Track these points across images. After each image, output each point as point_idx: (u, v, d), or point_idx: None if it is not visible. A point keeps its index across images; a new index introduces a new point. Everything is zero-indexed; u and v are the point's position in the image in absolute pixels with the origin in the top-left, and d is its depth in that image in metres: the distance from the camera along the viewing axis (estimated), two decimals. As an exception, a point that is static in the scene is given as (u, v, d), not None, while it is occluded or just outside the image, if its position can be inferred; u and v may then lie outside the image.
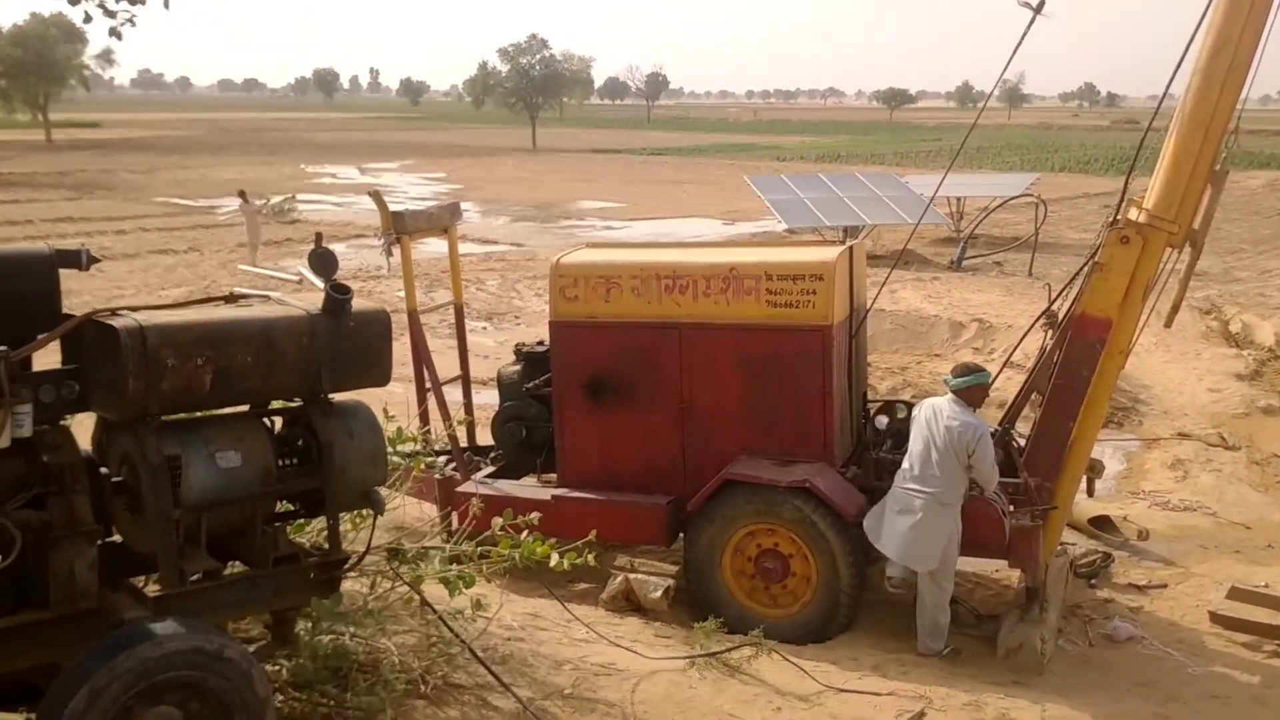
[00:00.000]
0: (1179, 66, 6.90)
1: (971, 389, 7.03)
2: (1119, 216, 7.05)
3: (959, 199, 30.55)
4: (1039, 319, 7.70)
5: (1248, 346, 16.04)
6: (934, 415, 6.98)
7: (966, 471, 6.83)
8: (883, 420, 8.02)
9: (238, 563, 4.44)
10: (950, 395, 7.04)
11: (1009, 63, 7.64)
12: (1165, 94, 7.21)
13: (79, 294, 17.98)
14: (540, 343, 8.94)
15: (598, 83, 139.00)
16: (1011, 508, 7.18)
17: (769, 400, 7.57)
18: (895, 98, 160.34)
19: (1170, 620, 7.69)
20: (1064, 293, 7.50)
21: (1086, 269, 7.17)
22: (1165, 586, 8.22)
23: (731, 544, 7.44)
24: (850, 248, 7.99)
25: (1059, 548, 8.06)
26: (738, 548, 7.46)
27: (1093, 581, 8.26)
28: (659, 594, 7.29)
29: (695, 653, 6.23)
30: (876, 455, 7.77)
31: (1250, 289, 21.51)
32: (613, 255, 8.45)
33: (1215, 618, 7.47)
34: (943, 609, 7.08)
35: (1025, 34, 7.29)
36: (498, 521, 5.51)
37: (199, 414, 4.39)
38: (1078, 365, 7.12)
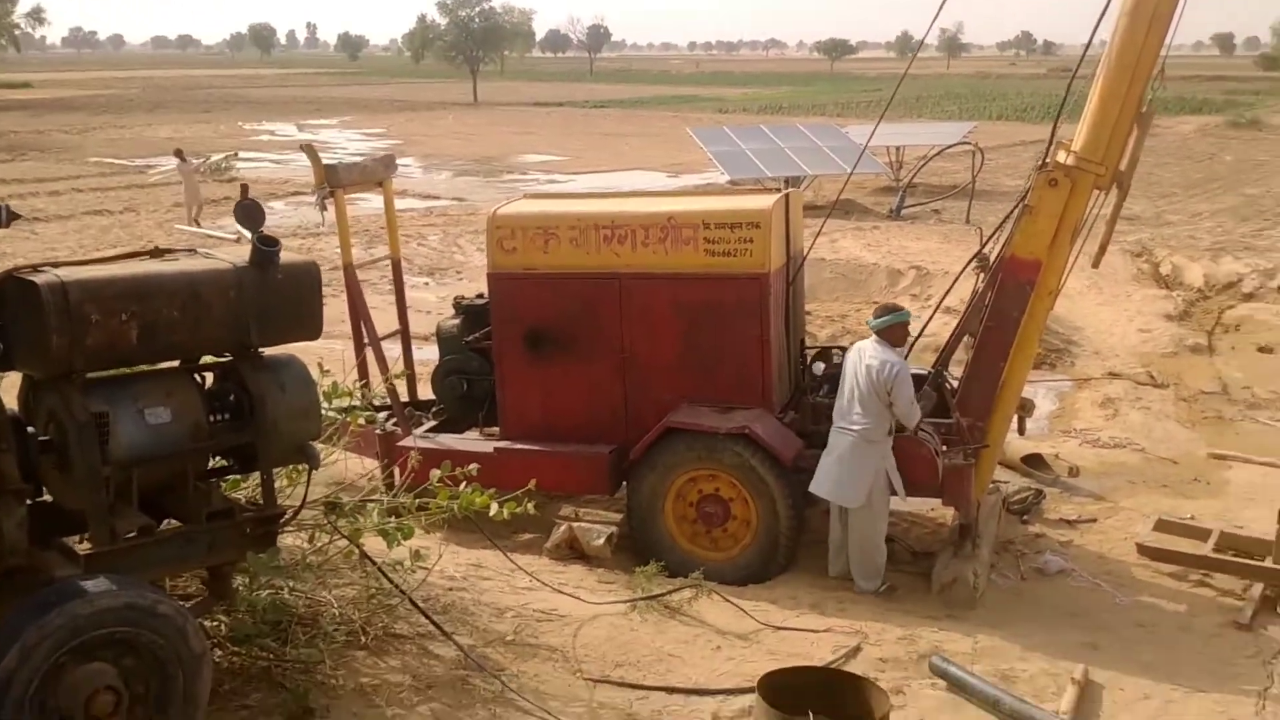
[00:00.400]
0: (1104, 12, 6.98)
1: (892, 328, 7.17)
2: (1047, 160, 7.15)
3: (898, 148, 30.72)
4: (970, 262, 7.82)
5: (1177, 288, 16.41)
6: (858, 356, 7.15)
7: (888, 410, 6.96)
8: (820, 366, 8.12)
9: (173, 520, 4.42)
10: (873, 336, 7.16)
11: (938, 11, 7.69)
12: (1091, 39, 7.28)
13: (11, 257, 17.59)
14: (480, 296, 8.91)
15: (539, 35, 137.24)
16: (945, 447, 7.34)
17: (708, 349, 7.63)
18: (836, 48, 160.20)
19: (1099, 553, 7.92)
20: (995, 236, 7.61)
21: (1016, 212, 7.27)
22: (1095, 521, 8.45)
23: (673, 490, 7.53)
24: (786, 195, 8.02)
25: (992, 486, 8.24)
26: (679, 494, 7.55)
27: (1025, 517, 8.46)
28: (602, 541, 7.38)
29: (637, 596, 6.32)
30: (813, 400, 7.87)
31: (1181, 232, 21.93)
32: (550, 206, 8.42)
33: (1143, 549, 7.69)
34: (879, 548, 7.23)
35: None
36: (436, 473, 5.52)
37: (127, 370, 4.34)
38: (1008, 307, 7.24)
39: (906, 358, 8.37)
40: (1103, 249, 7.45)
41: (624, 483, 7.78)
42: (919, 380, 7.85)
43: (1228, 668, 6.17)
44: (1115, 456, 9.82)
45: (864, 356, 7.11)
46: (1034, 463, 9.39)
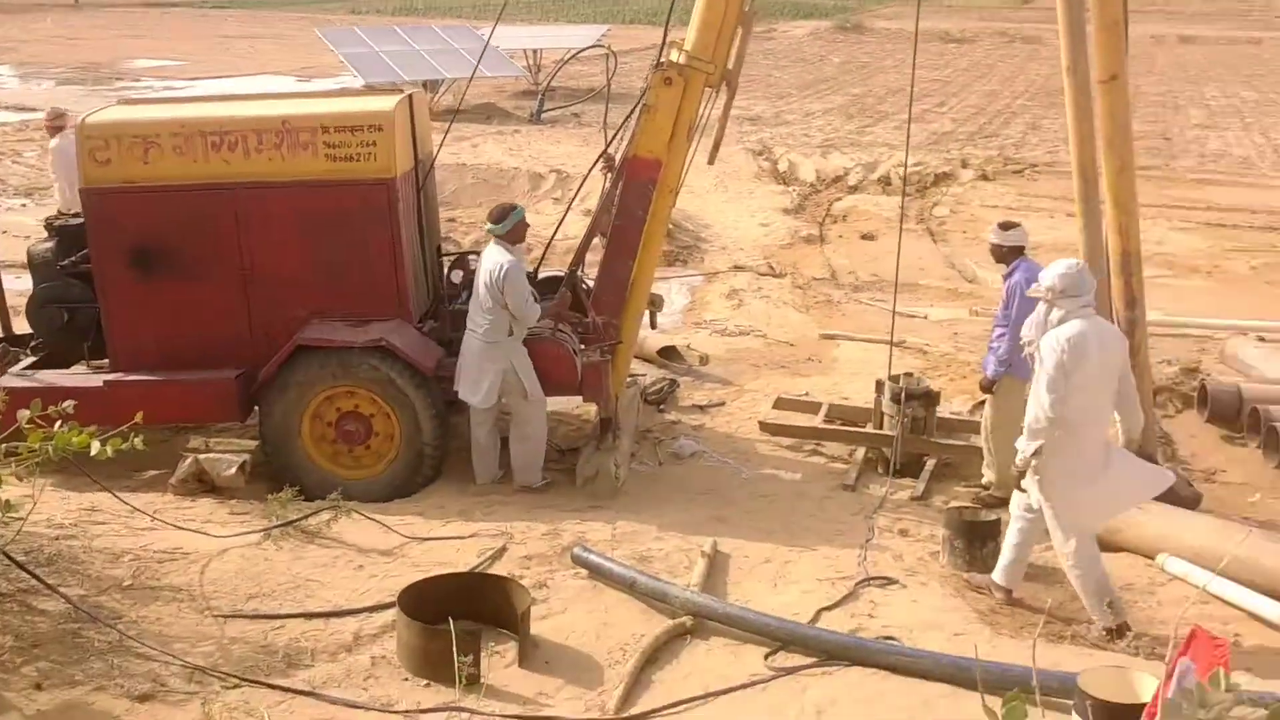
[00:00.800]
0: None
1: (513, 229, 7.19)
2: (662, 60, 7.33)
3: (535, 51, 30.66)
4: (595, 164, 7.94)
5: (793, 183, 17.59)
6: (481, 260, 7.14)
7: (505, 310, 7.02)
8: (458, 273, 8.04)
9: None
10: (494, 240, 7.16)
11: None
12: None
13: None
14: (76, 214, 8.05)
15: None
16: (582, 346, 7.51)
17: (337, 260, 7.33)
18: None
19: (728, 433, 8.45)
20: (619, 136, 7.75)
21: (637, 112, 7.43)
22: (723, 404, 8.99)
23: (310, 410, 7.24)
24: (410, 96, 7.77)
25: (630, 379, 8.56)
26: (316, 413, 7.28)
27: (661, 407, 8.87)
28: (233, 471, 6.99)
29: (270, 525, 6.05)
30: (453, 308, 7.79)
31: (797, 130, 23.45)
32: (149, 112, 7.71)
33: (764, 426, 8.30)
34: (539, 443, 7.33)
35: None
36: (24, 414, 4.95)
37: None
38: (633, 206, 7.43)
39: (543, 260, 8.50)
40: (716, 146, 7.77)
41: (256, 407, 7.40)
42: (553, 281, 7.97)
43: (836, 526, 6.80)
44: (741, 343, 10.47)
45: (485, 260, 7.12)
46: (668, 354, 9.83)
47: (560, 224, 8.44)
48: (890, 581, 5.96)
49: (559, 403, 8.37)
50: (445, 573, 5.32)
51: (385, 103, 7.43)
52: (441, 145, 8.04)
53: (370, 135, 7.17)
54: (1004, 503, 7.10)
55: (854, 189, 17.26)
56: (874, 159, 19.06)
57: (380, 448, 7.34)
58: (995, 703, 2.32)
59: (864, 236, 14.50)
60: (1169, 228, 14.89)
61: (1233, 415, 8.31)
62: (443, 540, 6.18)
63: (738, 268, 12.84)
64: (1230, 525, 6.39)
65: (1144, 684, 3.86)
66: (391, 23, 43.17)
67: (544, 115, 25.04)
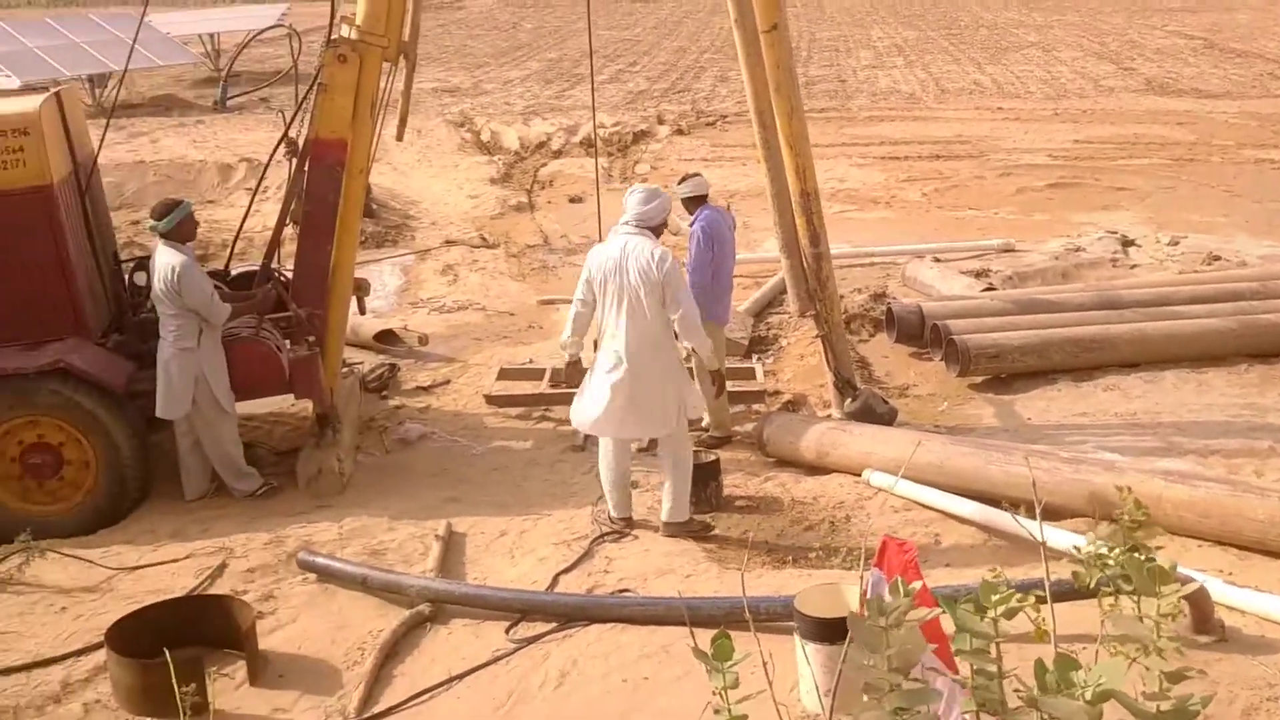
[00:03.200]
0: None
1: (178, 226, 6.75)
2: (334, 37, 7.06)
3: (213, 35, 28.95)
4: (276, 149, 7.58)
5: (498, 153, 17.51)
6: (153, 263, 6.74)
7: (189, 312, 6.63)
8: (141, 276, 7.49)
9: None
10: (161, 240, 6.73)
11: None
12: None
13: None
14: None
15: None
16: (288, 343, 7.19)
17: (-2, 280, 6.66)
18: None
19: (455, 411, 8.35)
20: (298, 119, 7.43)
21: (314, 93, 7.14)
22: (449, 382, 8.87)
23: (-12, 448, 6.59)
24: (58, 95, 7.14)
25: (346, 368, 8.29)
26: (-4, 451, 6.63)
27: (383, 393, 8.66)
28: (-99, 526, 6.25)
29: (-51, 581, 5.48)
30: (140, 317, 7.27)
31: (497, 100, 23.34)
32: None
33: (490, 399, 8.27)
34: (233, 450, 6.93)
35: None
36: None
37: None
38: (323, 190, 7.14)
39: (231, 255, 8.07)
40: (403, 120, 7.61)
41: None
42: (248, 277, 7.58)
43: (568, 488, 6.88)
44: (460, 318, 10.36)
45: (155, 262, 6.68)
46: (386, 338, 9.59)
47: (247, 215, 8.03)
48: (621, 535, 6.10)
49: (273, 402, 8.02)
50: (157, 601, 4.98)
51: (28, 103, 6.80)
52: (102, 142, 7.43)
53: (15, 140, 6.54)
54: (722, 442, 7.44)
55: (558, 154, 17.39)
56: (575, 123, 19.24)
57: (75, 477, 6.78)
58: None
59: (572, 200, 14.64)
60: (849, 165, 15.89)
61: (917, 334, 8.99)
62: (155, 566, 5.78)
63: (450, 242, 12.67)
64: (922, 434, 6.91)
65: (854, 596, 4.12)
66: (44, 15, 39.61)
67: (229, 102, 23.72)
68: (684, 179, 7.73)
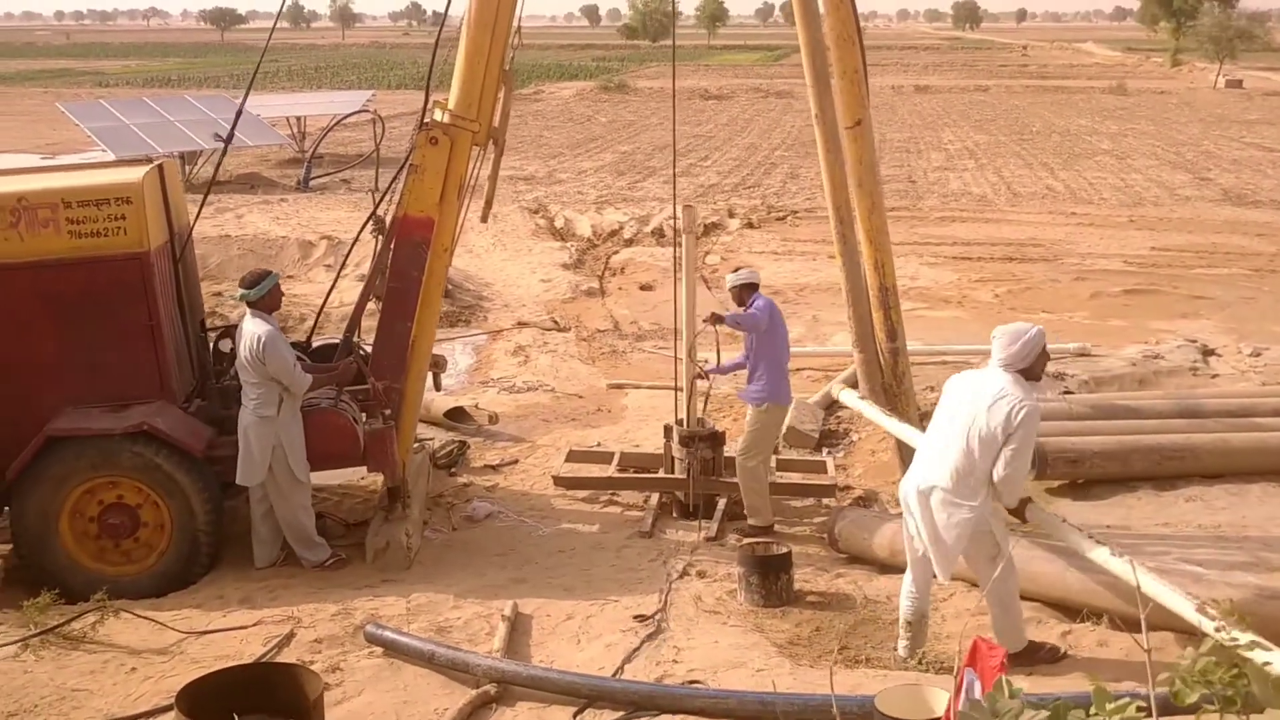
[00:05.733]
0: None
1: (267, 295, 6.93)
2: (426, 120, 7.27)
3: (300, 119, 29.96)
4: (365, 225, 7.77)
5: (570, 239, 17.78)
6: (240, 332, 6.87)
7: (271, 381, 6.75)
8: (226, 344, 7.67)
9: None
10: (249, 310, 6.88)
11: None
12: (448, 8, 7.36)
13: None
14: None
15: None
16: (364, 415, 7.27)
17: (91, 342, 6.87)
18: (224, 18, 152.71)
19: (523, 491, 8.36)
20: (388, 198, 7.61)
21: (405, 173, 7.33)
22: (516, 462, 8.89)
23: (68, 506, 6.72)
24: (159, 166, 7.41)
25: (417, 444, 8.35)
26: (76, 509, 6.76)
27: (452, 470, 8.69)
28: (-19, 578, 6.37)
29: (27, 634, 5.53)
30: (223, 384, 7.42)
31: (570, 189, 23.78)
32: None
33: (558, 481, 8.25)
34: (306, 520, 6.98)
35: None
36: None
37: None
38: (407, 266, 7.29)
39: (315, 328, 8.24)
40: (488, 204, 7.76)
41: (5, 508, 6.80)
42: (329, 349, 7.70)
43: (635, 574, 6.80)
44: (530, 399, 10.42)
45: (243, 332, 6.82)
46: (456, 416, 9.66)
47: (332, 289, 8.22)
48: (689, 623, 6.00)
49: (343, 474, 8.10)
50: (226, 666, 4.97)
51: (133, 174, 7.07)
52: (199, 215, 7.68)
53: (118, 209, 6.79)
54: (762, 532, 7.33)
55: (629, 242, 17.60)
56: (646, 213, 19.52)
57: (150, 539, 6.87)
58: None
59: (643, 287, 14.78)
60: (920, 263, 15.87)
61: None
62: (224, 632, 5.80)
63: (522, 324, 12.82)
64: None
65: (937, 699, 4.00)
66: (144, 95, 41.37)
67: (312, 182, 24.44)
68: (736, 270, 7.88)
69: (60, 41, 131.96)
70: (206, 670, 4.99)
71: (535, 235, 18.03)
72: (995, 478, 5.33)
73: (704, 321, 7.73)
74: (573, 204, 21.12)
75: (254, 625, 5.86)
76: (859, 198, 7.31)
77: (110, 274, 6.80)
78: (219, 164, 8.93)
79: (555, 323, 12.92)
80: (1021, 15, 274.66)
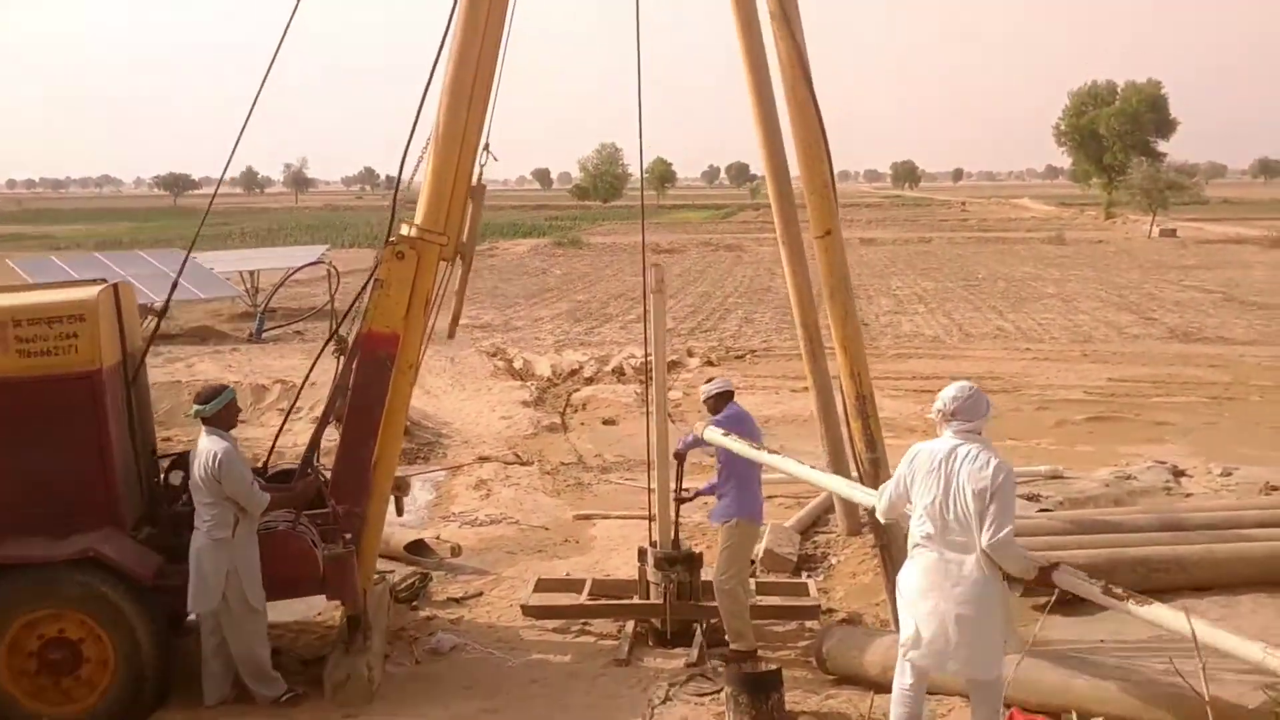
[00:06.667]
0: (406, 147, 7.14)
1: (220, 412, 6.63)
2: (392, 236, 7.16)
3: (253, 273, 29.94)
4: (327, 343, 7.55)
5: (530, 379, 17.62)
6: (195, 450, 6.55)
7: (228, 501, 6.41)
8: (178, 474, 7.33)
9: None
10: (204, 427, 6.58)
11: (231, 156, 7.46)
12: (402, 166, 7.27)
13: None
14: None
15: None
16: (324, 540, 6.91)
17: (35, 464, 6.51)
18: (178, 183, 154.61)
19: (489, 623, 7.95)
20: (350, 315, 7.43)
21: (369, 288, 7.17)
22: (481, 594, 8.50)
23: (6, 640, 6.27)
24: (115, 287, 7.19)
25: (377, 576, 7.95)
26: (14, 644, 6.29)
27: (414, 603, 8.28)
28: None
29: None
30: (174, 510, 7.05)
31: (528, 334, 23.79)
32: None
33: (526, 610, 7.86)
34: (260, 652, 6.54)
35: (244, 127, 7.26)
36: None
37: None
38: (371, 384, 7.06)
39: (267, 464, 7.88)
40: (455, 319, 7.61)
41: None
42: (286, 475, 7.37)
43: (614, 701, 6.41)
44: (493, 532, 10.06)
45: (197, 449, 6.51)
46: (416, 549, 9.27)
47: (284, 425, 7.96)
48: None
49: (299, 611, 7.67)
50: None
51: (87, 292, 6.84)
52: (151, 341, 7.40)
53: (70, 326, 6.53)
54: (746, 656, 6.97)
55: (590, 380, 17.48)
56: (606, 353, 19.47)
57: (93, 676, 6.39)
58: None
59: (606, 422, 14.58)
60: (882, 395, 15.73)
61: (974, 552, 8.60)
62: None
63: (483, 459, 12.52)
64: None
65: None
66: (94, 253, 41.32)
67: (264, 334, 24.23)
68: (710, 380, 7.77)
69: (12, 208, 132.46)
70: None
71: (494, 376, 17.87)
72: (985, 544, 5.11)
73: (674, 457, 7.59)
74: (530, 348, 21.05)
75: (203, 762, 5.37)
76: (831, 307, 7.24)
77: (59, 393, 6.50)
78: (167, 299, 8.35)
79: (517, 456, 12.63)
80: (958, 174, 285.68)
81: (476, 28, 6.90)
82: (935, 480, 5.26)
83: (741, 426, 7.29)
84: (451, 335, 7.84)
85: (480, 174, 7.29)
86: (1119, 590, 5.26)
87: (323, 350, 7.75)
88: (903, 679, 5.48)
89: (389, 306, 7.03)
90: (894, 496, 5.58)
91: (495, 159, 7.27)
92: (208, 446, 6.44)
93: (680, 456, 7.61)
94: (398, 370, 7.12)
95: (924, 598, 5.28)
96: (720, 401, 7.42)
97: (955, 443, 5.29)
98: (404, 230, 7.13)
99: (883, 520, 6.04)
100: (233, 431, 6.70)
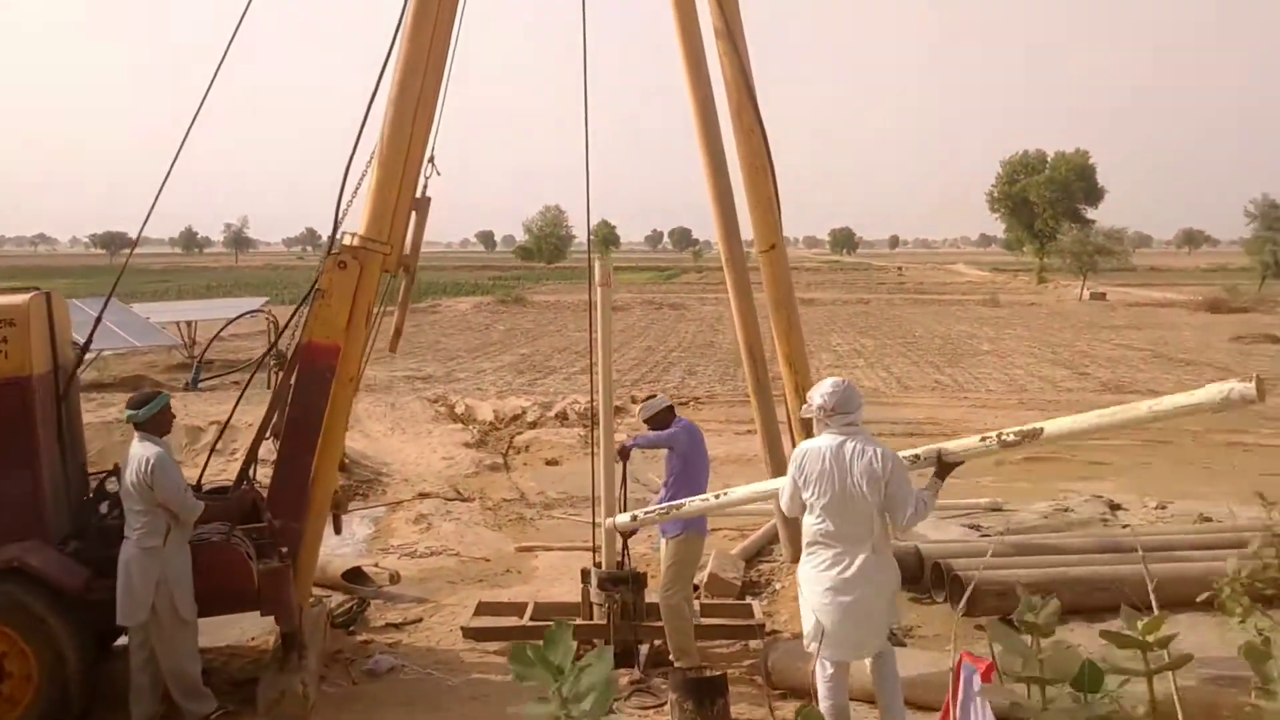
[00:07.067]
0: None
1: (154, 417, 6.44)
2: (334, 249, 7.09)
3: (190, 324, 29.52)
4: (265, 355, 7.44)
5: (472, 423, 17.45)
6: (128, 456, 6.37)
7: (160, 510, 6.23)
8: (113, 481, 7.11)
9: None
10: (137, 432, 6.41)
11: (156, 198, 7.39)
12: (339, 206, 7.14)
13: None
14: None
15: None
16: (258, 554, 6.73)
17: (-41, 473, 6.28)
18: (114, 241, 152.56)
19: (428, 647, 7.76)
20: (289, 327, 7.34)
21: (310, 298, 7.09)
22: (420, 620, 8.32)
23: (-80, 655, 5.97)
24: (48, 295, 7.04)
25: (314, 599, 7.76)
26: (-71, 659, 6.00)
27: (351, 628, 8.07)
28: None
29: None
30: (104, 523, 6.82)
31: (470, 385, 23.60)
32: None
33: (467, 632, 7.70)
34: (190, 667, 6.32)
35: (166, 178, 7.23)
36: None
37: None
38: (311, 395, 6.95)
39: (205, 469, 7.73)
40: (398, 332, 7.53)
41: None
42: (220, 491, 7.19)
43: (559, 714, 6.25)
44: (433, 563, 9.88)
45: (130, 455, 6.33)
46: (354, 577, 9.07)
47: (221, 433, 7.78)
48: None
49: (230, 632, 7.45)
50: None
51: (18, 298, 6.68)
52: (77, 367, 7.18)
53: (0, 331, 6.37)
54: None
55: (534, 424, 17.34)
56: (549, 399, 19.37)
57: (14, 692, 6.13)
58: None
59: (549, 462, 14.46)
60: (826, 438, 15.93)
61: (916, 576, 8.62)
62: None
63: (423, 495, 12.32)
64: (944, 657, 6.44)
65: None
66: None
67: (200, 384, 23.79)
68: (648, 398, 7.73)
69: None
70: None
71: (435, 420, 17.67)
72: (904, 523, 5.51)
73: (617, 455, 7.55)
74: (473, 397, 20.88)
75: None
76: (776, 319, 7.31)
77: (-13, 399, 6.31)
78: (91, 331, 7.88)
79: (458, 492, 12.46)
80: (895, 241, 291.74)
81: (422, 41, 6.94)
82: (829, 480, 5.49)
83: (693, 443, 7.27)
84: (393, 349, 7.76)
85: (425, 187, 7.28)
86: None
87: (259, 362, 7.64)
88: (824, 672, 5.62)
89: (330, 317, 6.95)
90: (791, 496, 5.74)
91: (439, 173, 7.26)
92: (140, 452, 6.27)
93: (624, 454, 7.52)
94: (338, 382, 7.02)
95: (834, 593, 5.50)
96: (666, 416, 7.40)
97: (840, 439, 5.53)
98: (347, 241, 7.07)
99: (788, 515, 6.14)
100: (166, 438, 6.53)
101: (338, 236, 7.10)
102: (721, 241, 7.69)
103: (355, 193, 7.14)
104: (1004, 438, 5.40)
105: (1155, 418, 5.32)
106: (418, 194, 7.23)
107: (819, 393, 5.59)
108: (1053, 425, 5.38)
